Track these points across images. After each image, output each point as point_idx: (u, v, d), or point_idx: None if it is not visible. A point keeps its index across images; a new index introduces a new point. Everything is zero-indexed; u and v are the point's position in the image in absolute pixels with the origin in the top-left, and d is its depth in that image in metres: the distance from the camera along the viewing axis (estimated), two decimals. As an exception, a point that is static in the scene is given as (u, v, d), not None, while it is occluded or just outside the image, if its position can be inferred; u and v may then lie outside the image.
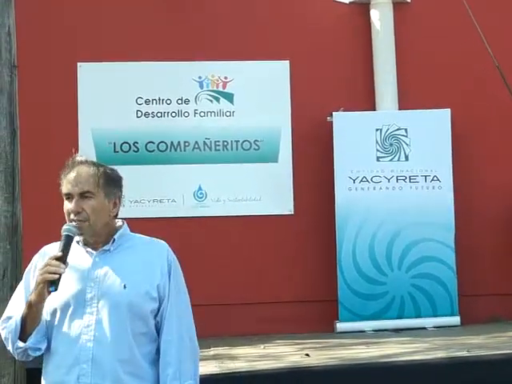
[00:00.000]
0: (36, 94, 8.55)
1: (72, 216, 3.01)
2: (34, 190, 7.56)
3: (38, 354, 3.01)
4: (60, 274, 2.88)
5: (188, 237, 8.68)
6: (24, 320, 2.97)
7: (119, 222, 3.17)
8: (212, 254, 8.85)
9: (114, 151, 8.97)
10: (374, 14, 9.31)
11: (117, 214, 3.14)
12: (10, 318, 3.04)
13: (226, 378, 5.90)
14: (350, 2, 9.38)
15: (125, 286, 3.00)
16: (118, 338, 2.97)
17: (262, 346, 7.53)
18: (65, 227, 3.00)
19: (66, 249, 2.94)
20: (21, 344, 2.97)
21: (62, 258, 2.92)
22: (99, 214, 3.04)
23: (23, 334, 2.98)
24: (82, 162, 3.09)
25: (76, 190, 3.02)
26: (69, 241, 2.97)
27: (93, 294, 2.99)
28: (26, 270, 3.17)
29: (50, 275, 2.87)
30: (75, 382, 2.95)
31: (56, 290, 2.89)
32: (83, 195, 3.02)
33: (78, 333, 2.97)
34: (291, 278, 8.94)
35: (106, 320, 2.97)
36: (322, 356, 6.77)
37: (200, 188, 9.06)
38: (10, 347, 3.04)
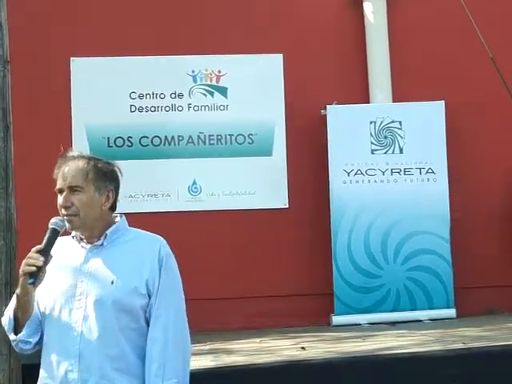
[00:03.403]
0: (29, 89, 8.52)
1: (63, 211, 3.02)
2: (28, 186, 7.52)
3: (29, 347, 3.04)
4: (38, 267, 2.88)
5: (183, 231, 8.66)
6: (16, 313, 3.00)
7: (117, 217, 3.16)
8: (207, 248, 8.84)
9: (108, 146, 8.95)
10: (368, 7, 9.29)
11: (113, 208, 3.13)
12: (7, 312, 3.07)
13: (221, 372, 5.89)
14: (344, -5, 9.37)
15: (112, 282, 2.98)
16: (104, 334, 2.95)
17: (258, 340, 7.53)
18: (52, 221, 3.01)
19: (49, 242, 2.94)
20: (12, 337, 3.02)
21: (44, 251, 2.91)
22: (90, 207, 3.03)
23: (18, 327, 3.01)
24: (73, 157, 3.10)
25: (65, 184, 3.03)
26: (54, 234, 2.97)
27: (82, 289, 2.99)
28: None
29: (28, 267, 2.88)
30: (63, 377, 2.95)
31: (34, 282, 2.88)
32: (72, 189, 3.02)
33: (67, 328, 2.97)
34: (286, 271, 8.94)
35: (92, 316, 2.96)
36: (318, 349, 6.77)
37: (194, 182, 9.05)
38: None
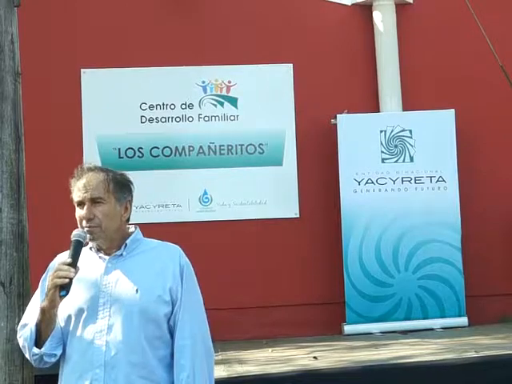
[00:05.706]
0: (40, 101, 8.55)
1: (84, 222, 3.04)
2: (40, 197, 7.55)
3: (54, 360, 3.04)
4: (70, 279, 2.91)
5: (194, 241, 8.66)
6: (39, 326, 3.00)
7: (132, 228, 3.20)
8: (218, 259, 8.84)
9: (119, 157, 8.97)
10: (377, 16, 9.30)
11: (128, 219, 3.18)
12: (25, 325, 3.08)
13: (234, 381, 5.88)
14: (352, 4, 9.38)
15: (137, 291, 3.02)
16: (130, 343, 2.99)
17: (270, 350, 7.52)
18: (74, 233, 3.03)
19: (75, 254, 2.98)
20: (36, 350, 3.01)
21: (72, 263, 2.94)
22: (111, 219, 3.08)
23: (39, 341, 3.01)
24: (90, 169, 3.14)
25: (87, 196, 3.05)
26: (78, 246, 3.00)
27: (105, 299, 3.02)
28: (42, 277, 3.20)
29: (60, 280, 2.91)
30: None
31: (67, 294, 2.92)
32: (94, 201, 3.06)
33: (91, 338, 2.99)
34: (298, 281, 8.93)
35: (118, 325, 2.99)
36: (330, 359, 6.75)
37: (205, 192, 9.06)
38: (27, 354, 3.08)
